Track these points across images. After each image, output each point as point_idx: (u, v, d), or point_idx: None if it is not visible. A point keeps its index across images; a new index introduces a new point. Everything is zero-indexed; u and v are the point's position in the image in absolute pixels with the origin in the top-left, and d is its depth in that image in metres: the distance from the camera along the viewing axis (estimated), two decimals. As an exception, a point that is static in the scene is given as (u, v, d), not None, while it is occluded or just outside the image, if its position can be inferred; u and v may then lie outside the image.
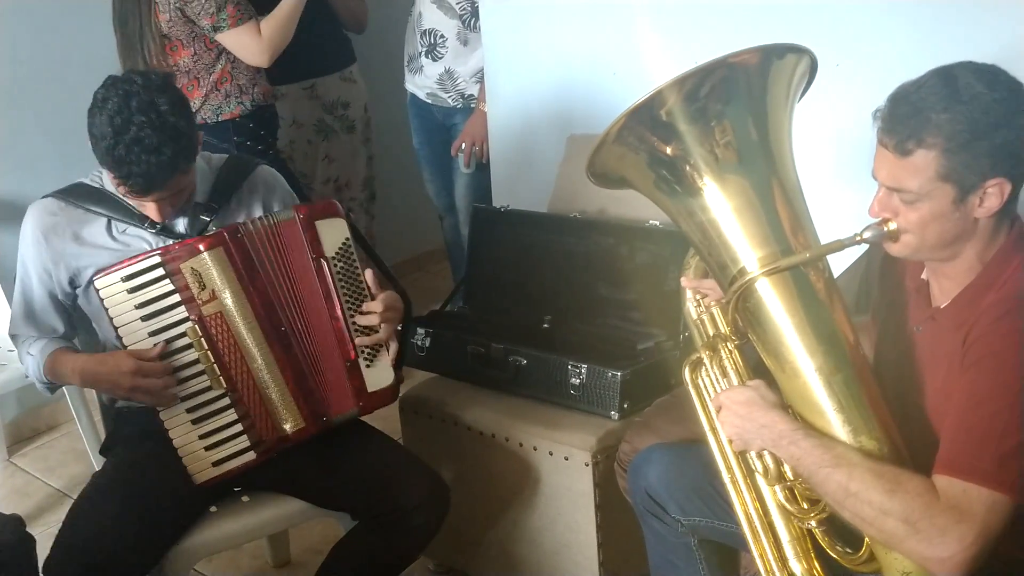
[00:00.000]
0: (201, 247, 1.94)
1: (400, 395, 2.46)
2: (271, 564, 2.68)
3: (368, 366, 2.02)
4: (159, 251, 1.95)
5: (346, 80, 3.44)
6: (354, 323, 2.01)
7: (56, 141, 3.13)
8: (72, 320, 2.10)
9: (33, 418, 3.40)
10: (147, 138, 1.81)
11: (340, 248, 2.01)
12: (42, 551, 1.93)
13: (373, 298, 2.02)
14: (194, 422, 1.96)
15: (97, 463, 2.64)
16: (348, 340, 2.00)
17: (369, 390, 2.02)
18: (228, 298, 1.95)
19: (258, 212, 2.09)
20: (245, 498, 2.12)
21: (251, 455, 1.98)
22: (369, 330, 2.01)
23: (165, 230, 2.01)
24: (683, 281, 1.81)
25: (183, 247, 1.95)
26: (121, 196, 1.97)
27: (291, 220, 1.99)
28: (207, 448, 1.97)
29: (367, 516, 2.04)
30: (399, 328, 2.05)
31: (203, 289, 1.94)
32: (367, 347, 2.02)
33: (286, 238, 1.99)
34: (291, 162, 3.31)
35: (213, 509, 2.08)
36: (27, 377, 2.13)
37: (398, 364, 2.07)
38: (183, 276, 1.93)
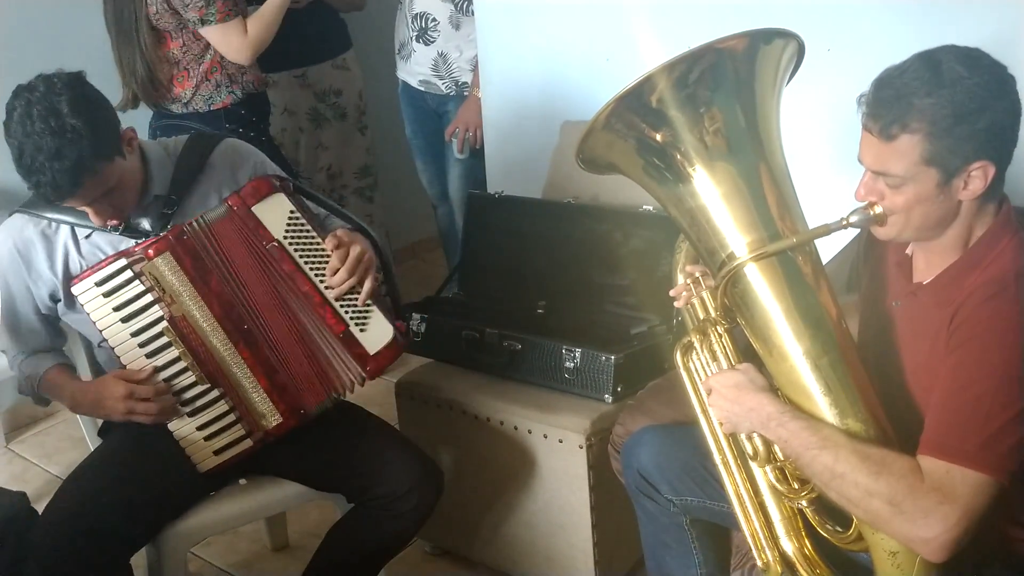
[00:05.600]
0: (150, 252, 1.92)
1: (397, 381, 2.49)
2: (269, 547, 2.70)
3: (363, 330, 1.95)
4: (123, 253, 1.93)
5: (338, 68, 3.43)
6: (330, 291, 1.94)
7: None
8: (59, 329, 2.10)
9: (30, 405, 3.38)
10: (47, 146, 1.75)
11: (288, 225, 1.95)
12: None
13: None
14: (190, 414, 1.97)
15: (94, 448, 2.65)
16: (332, 314, 1.94)
17: (371, 352, 1.95)
18: (186, 300, 1.93)
19: (229, 191, 2.02)
20: (242, 481, 2.14)
21: (248, 442, 2.00)
22: (352, 291, 1.94)
23: (128, 229, 1.98)
24: (675, 288, 1.81)
25: (139, 249, 1.93)
26: None
27: (227, 214, 1.94)
28: (206, 438, 1.98)
29: (361, 499, 2.06)
30: (380, 272, 1.98)
31: (164, 292, 1.93)
32: (354, 311, 1.94)
33: (228, 234, 1.93)
34: (283, 149, 3.31)
35: (212, 494, 2.10)
36: (20, 394, 2.12)
37: (396, 312, 2.00)
38: (148, 277, 1.92)
